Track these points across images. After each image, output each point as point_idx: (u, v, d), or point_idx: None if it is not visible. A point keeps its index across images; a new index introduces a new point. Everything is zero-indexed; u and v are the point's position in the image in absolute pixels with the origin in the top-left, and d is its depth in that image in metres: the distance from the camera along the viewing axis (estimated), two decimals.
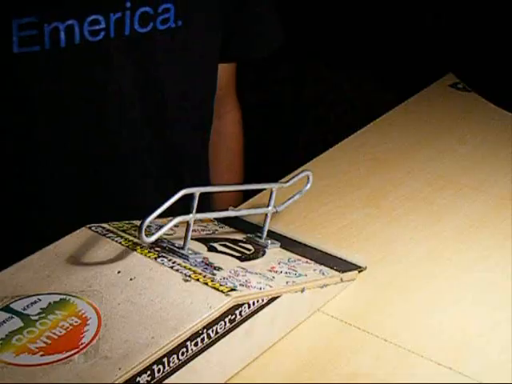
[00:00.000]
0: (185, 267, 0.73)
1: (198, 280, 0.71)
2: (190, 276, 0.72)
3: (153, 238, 0.72)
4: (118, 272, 0.73)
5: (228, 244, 0.82)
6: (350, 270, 0.84)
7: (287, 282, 0.76)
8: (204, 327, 0.67)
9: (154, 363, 0.63)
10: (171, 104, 1.06)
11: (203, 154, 1.17)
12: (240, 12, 1.11)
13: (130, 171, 1.06)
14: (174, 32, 1.01)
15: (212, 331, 0.68)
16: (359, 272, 0.86)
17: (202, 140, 1.15)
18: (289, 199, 0.88)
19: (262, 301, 0.73)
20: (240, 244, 0.83)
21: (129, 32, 0.98)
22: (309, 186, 0.88)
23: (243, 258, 0.80)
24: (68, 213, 1.04)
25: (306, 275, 0.79)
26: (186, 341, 0.66)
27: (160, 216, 0.73)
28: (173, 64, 1.04)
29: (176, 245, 0.77)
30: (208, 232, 0.85)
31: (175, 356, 0.65)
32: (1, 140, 1.00)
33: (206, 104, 1.13)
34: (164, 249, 0.76)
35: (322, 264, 0.83)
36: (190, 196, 0.75)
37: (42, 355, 0.64)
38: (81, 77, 0.98)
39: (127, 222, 0.82)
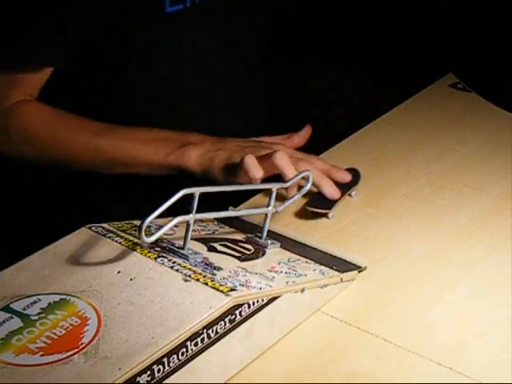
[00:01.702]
0: (185, 267, 0.73)
1: (197, 280, 0.71)
2: (189, 276, 0.72)
3: (153, 238, 0.72)
4: (118, 272, 0.73)
5: (228, 244, 0.82)
6: (350, 270, 0.84)
7: (287, 282, 0.76)
8: (204, 327, 0.67)
9: (153, 363, 0.63)
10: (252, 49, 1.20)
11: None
12: None
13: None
14: None
15: (212, 331, 0.68)
16: (359, 272, 0.86)
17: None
18: (289, 199, 0.88)
19: (262, 301, 0.73)
20: (240, 244, 0.83)
21: None
22: (309, 186, 0.88)
23: (243, 258, 0.80)
24: None
25: (306, 275, 0.79)
26: (185, 341, 0.66)
27: (160, 216, 0.73)
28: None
29: (176, 245, 0.77)
30: (208, 232, 0.85)
31: (175, 356, 0.65)
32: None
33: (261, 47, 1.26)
34: (164, 249, 0.76)
35: (322, 264, 0.83)
36: (190, 196, 0.75)
37: (41, 355, 0.64)
38: (215, 30, 1.12)
39: (127, 222, 0.82)
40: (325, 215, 0.96)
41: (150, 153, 1.02)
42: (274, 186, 0.85)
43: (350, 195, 1.00)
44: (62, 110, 1.05)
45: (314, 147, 1.22)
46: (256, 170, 0.93)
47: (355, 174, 1.02)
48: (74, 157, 1.04)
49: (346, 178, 1.00)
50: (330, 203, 0.97)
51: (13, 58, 1.03)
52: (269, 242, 0.84)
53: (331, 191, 0.97)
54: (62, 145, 1.03)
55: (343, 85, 2.19)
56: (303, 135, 1.10)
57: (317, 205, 0.96)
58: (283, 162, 0.93)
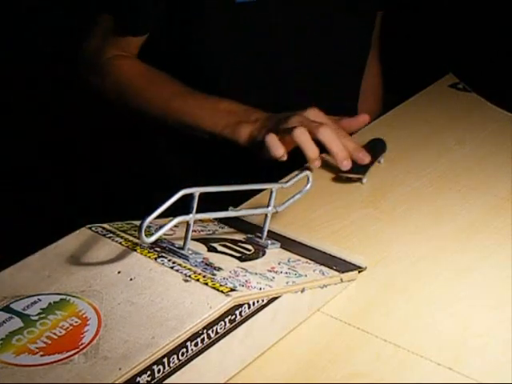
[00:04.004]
0: (185, 267, 0.73)
1: (197, 280, 0.71)
2: (189, 276, 0.72)
3: (153, 238, 0.72)
4: (118, 272, 0.73)
5: (228, 244, 0.82)
6: (350, 270, 0.84)
7: (287, 283, 0.76)
8: (204, 327, 0.67)
9: (154, 363, 0.63)
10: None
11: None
12: None
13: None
14: None
15: (212, 331, 0.68)
16: (359, 272, 0.86)
17: None
18: (289, 199, 0.88)
19: (262, 301, 0.73)
20: (240, 244, 0.83)
21: None
22: (309, 186, 0.88)
23: (243, 258, 0.80)
24: None
25: (306, 275, 0.79)
26: (186, 341, 0.66)
27: (160, 216, 0.73)
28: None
29: (176, 245, 0.77)
30: (208, 232, 0.85)
31: (175, 356, 0.65)
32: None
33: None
34: (164, 249, 0.76)
35: (322, 264, 0.83)
36: (190, 196, 0.75)
37: (42, 355, 0.64)
38: (286, 28, 1.17)
39: (127, 222, 0.82)
40: (359, 180, 1.04)
41: (210, 123, 1.13)
42: (274, 186, 0.85)
43: (379, 162, 1.09)
44: (153, 68, 1.19)
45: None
46: (275, 149, 1.00)
47: (381, 144, 1.11)
48: (151, 112, 1.18)
49: (366, 159, 1.05)
50: (362, 169, 1.04)
51: (111, 25, 1.20)
52: (269, 242, 0.84)
53: (362, 156, 1.04)
54: (143, 101, 1.18)
55: None
56: (355, 122, 1.12)
57: (350, 171, 1.03)
58: (302, 138, 0.99)
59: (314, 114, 1.05)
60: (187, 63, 1.22)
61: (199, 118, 1.14)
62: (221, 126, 1.12)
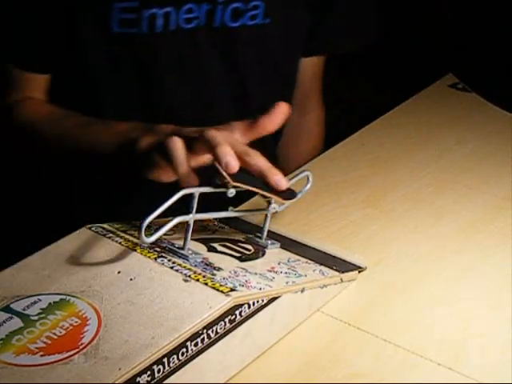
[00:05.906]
0: (185, 267, 0.73)
1: (197, 280, 0.71)
2: (189, 276, 0.72)
3: (153, 238, 0.72)
4: (118, 272, 0.73)
5: (228, 244, 0.82)
6: (350, 270, 0.84)
7: (287, 283, 0.76)
8: (204, 327, 0.67)
9: (154, 363, 0.63)
10: (253, 96, 1.10)
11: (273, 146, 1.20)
12: (329, 4, 1.13)
13: None
14: (261, 28, 1.06)
15: (212, 331, 0.68)
16: (359, 272, 0.86)
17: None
18: None
19: (262, 301, 0.73)
20: (240, 244, 0.83)
21: (219, 24, 1.03)
22: (309, 186, 0.88)
23: (243, 258, 0.80)
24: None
25: (305, 275, 0.79)
26: (186, 341, 0.66)
27: (160, 216, 0.73)
28: (256, 58, 1.09)
29: (176, 245, 0.77)
30: (208, 232, 0.85)
31: (175, 356, 0.65)
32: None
33: (284, 98, 1.12)
34: (164, 249, 0.76)
35: (321, 264, 0.83)
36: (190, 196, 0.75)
37: (41, 355, 0.64)
38: (173, 61, 1.04)
39: (127, 222, 0.82)
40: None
41: (105, 144, 0.92)
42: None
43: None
44: (59, 107, 1.05)
45: None
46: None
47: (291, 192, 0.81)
48: (56, 147, 1.02)
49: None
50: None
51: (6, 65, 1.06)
52: (269, 242, 0.84)
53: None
54: (48, 137, 1.03)
55: (343, 85, 2.19)
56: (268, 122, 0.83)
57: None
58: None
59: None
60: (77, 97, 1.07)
61: (95, 141, 0.95)
62: (115, 146, 0.91)
